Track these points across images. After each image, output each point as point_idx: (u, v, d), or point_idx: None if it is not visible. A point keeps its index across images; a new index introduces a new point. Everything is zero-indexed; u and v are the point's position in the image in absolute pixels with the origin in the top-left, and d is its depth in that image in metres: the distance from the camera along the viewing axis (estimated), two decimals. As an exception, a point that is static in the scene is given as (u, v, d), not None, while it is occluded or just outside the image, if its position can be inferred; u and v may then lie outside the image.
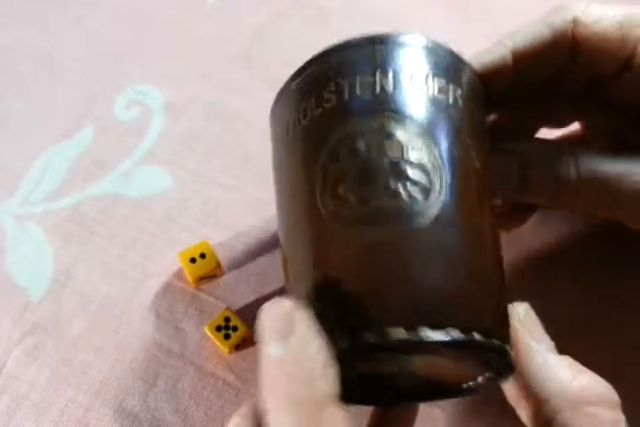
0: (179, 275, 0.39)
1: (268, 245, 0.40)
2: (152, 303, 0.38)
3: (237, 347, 0.36)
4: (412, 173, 0.24)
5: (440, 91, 0.26)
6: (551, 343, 0.25)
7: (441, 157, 0.25)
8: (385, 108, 0.25)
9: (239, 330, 0.35)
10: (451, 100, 0.27)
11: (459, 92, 0.27)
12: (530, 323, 0.25)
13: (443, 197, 0.24)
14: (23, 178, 0.43)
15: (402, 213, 0.23)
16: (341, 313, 0.23)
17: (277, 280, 0.38)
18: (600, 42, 0.29)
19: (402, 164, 0.24)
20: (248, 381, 0.35)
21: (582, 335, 0.35)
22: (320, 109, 0.26)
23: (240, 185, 0.42)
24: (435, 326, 0.21)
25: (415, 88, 0.26)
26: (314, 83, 0.27)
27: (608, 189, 0.29)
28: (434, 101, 0.26)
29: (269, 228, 0.40)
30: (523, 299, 0.26)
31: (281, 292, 0.38)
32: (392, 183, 0.24)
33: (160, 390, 0.35)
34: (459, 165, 0.25)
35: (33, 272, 0.39)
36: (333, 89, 0.26)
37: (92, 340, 0.37)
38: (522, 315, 0.25)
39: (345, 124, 0.25)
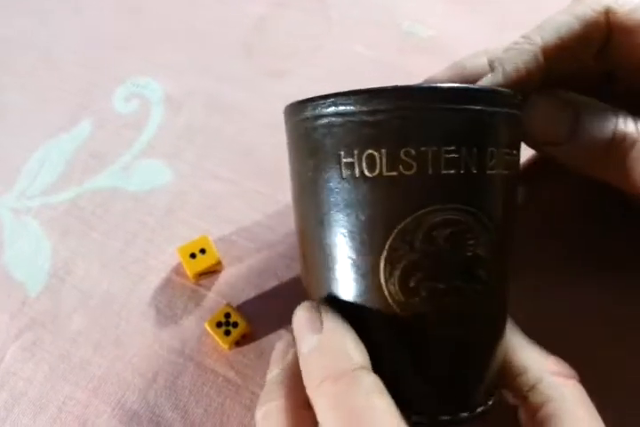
0: (178, 270, 0.38)
1: (269, 241, 0.39)
2: (152, 299, 0.38)
3: (237, 343, 0.36)
4: (479, 269, 0.24)
5: (507, 165, 0.25)
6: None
7: (499, 249, 0.25)
8: (465, 195, 0.24)
9: (239, 326, 0.35)
10: (512, 171, 0.26)
11: (516, 157, 0.26)
12: (510, 318, 0.29)
13: (495, 290, 0.25)
14: (21, 172, 0.43)
15: (465, 313, 0.25)
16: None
17: (278, 276, 0.38)
18: (634, 32, 0.28)
19: (472, 261, 0.24)
20: (248, 377, 0.35)
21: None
22: (395, 173, 0.23)
23: (240, 179, 0.42)
24: (472, 410, 0.25)
25: (492, 168, 0.24)
26: (389, 132, 0.24)
27: None
28: (501, 182, 0.25)
29: (271, 223, 0.40)
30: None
31: (281, 289, 0.38)
32: (462, 281, 0.24)
33: (160, 387, 0.35)
34: (506, 254, 0.26)
35: (31, 267, 0.39)
36: (413, 154, 0.23)
37: (90, 336, 0.37)
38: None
39: (425, 206, 0.24)
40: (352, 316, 0.25)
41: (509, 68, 0.28)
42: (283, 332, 0.36)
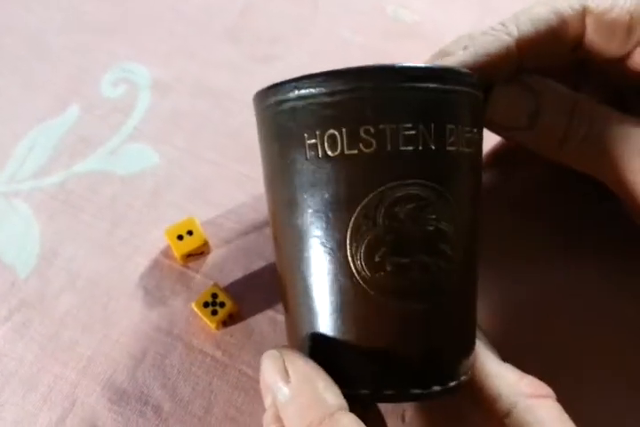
0: (166, 252, 0.39)
1: (256, 223, 0.40)
2: (140, 280, 0.38)
3: (225, 323, 0.36)
4: (441, 244, 0.25)
5: (467, 142, 0.26)
6: (498, 355, 0.29)
7: (461, 223, 0.26)
8: (425, 170, 0.25)
9: (226, 306, 0.35)
10: (473, 150, 0.26)
11: (477, 136, 0.27)
12: (483, 337, 0.30)
13: (459, 265, 0.26)
14: (10, 156, 0.43)
15: (431, 287, 0.25)
16: (357, 365, 0.25)
17: (265, 257, 0.38)
18: (607, 32, 0.29)
19: (434, 235, 0.25)
20: (235, 357, 0.36)
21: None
22: (356, 151, 0.24)
23: (228, 162, 0.42)
24: (443, 384, 0.26)
25: (452, 144, 0.25)
26: (348, 112, 0.24)
27: (612, 149, 0.29)
28: (462, 159, 0.26)
29: (257, 205, 0.40)
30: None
31: (268, 269, 0.38)
32: (425, 255, 0.25)
33: (148, 366, 0.35)
34: (471, 228, 0.26)
35: (20, 249, 0.39)
36: (372, 132, 0.24)
37: (79, 316, 0.37)
38: (478, 333, 0.29)
39: (385, 182, 0.24)
40: (322, 294, 0.26)
41: (481, 51, 0.28)
42: (270, 312, 0.37)
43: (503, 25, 0.29)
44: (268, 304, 0.37)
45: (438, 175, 0.25)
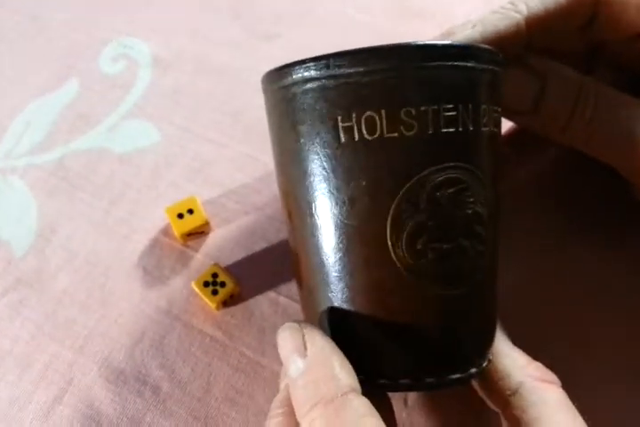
0: (166, 231, 0.38)
1: (258, 204, 0.39)
2: (139, 259, 0.37)
3: (225, 303, 0.35)
4: (477, 227, 0.24)
5: (495, 122, 0.25)
6: (508, 337, 0.29)
7: (492, 204, 0.25)
8: (464, 153, 0.24)
9: (227, 286, 0.35)
10: (498, 129, 0.26)
11: (500, 115, 0.26)
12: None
13: (492, 246, 0.25)
14: (7, 131, 0.42)
15: (470, 271, 0.24)
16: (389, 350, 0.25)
17: (267, 238, 0.38)
18: (621, 10, 0.28)
19: (472, 218, 0.24)
20: (236, 337, 0.35)
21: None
22: (396, 134, 0.23)
23: (229, 141, 0.41)
24: (466, 370, 0.25)
25: (485, 125, 0.24)
26: (388, 92, 0.23)
27: (618, 136, 0.28)
28: (491, 139, 0.25)
29: (259, 186, 0.40)
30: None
31: (270, 250, 0.37)
32: (465, 239, 0.24)
33: (146, 346, 0.35)
34: (498, 208, 0.26)
35: (16, 227, 0.38)
36: (414, 113, 0.23)
37: (76, 295, 0.36)
38: None
39: (428, 166, 0.23)
40: (359, 283, 0.25)
41: (489, 28, 0.28)
42: (271, 293, 0.36)
43: (512, 4, 0.29)
44: (269, 285, 0.36)
45: (475, 157, 0.24)
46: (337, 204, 0.24)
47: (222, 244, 0.38)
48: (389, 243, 0.23)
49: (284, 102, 0.25)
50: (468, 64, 0.24)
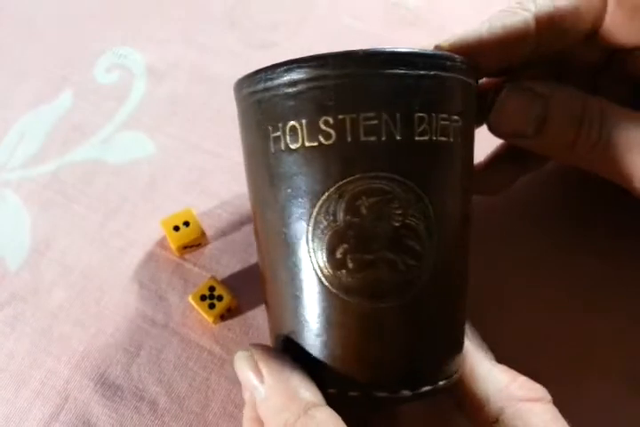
0: (162, 244, 0.38)
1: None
2: (135, 273, 0.37)
3: (222, 317, 0.35)
4: (409, 240, 0.23)
5: (443, 131, 0.24)
6: (491, 354, 0.28)
7: (435, 219, 0.24)
8: (389, 163, 0.23)
9: (224, 299, 0.34)
10: (451, 139, 0.24)
11: (459, 123, 0.25)
12: (475, 342, 0.28)
13: (433, 263, 0.24)
14: (0, 144, 0.41)
15: (396, 286, 0.23)
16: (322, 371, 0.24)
17: (264, 249, 0.37)
18: (630, 11, 0.27)
19: (400, 231, 0.23)
20: (233, 352, 0.34)
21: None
22: (315, 143, 0.23)
23: (225, 152, 0.41)
24: (418, 387, 0.24)
25: (422, 134, 0.23)
26: (308, 102, 0.23)
27: (626, 156, 0.27)
28: (436, 149, 0.24)
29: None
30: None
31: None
32: (390, 252, 0.23)
33: (143, 361, 0.34)
34: (451, 223, 0.25)
35: (10, 241, 0.38)
36: (331, 122, 0.23)
37: (72, 310, 0.36)
38: (470, 334, 0.28)
39: (345, 175, 0.23)
40: (290, 292, 0.25)
41: (497, 24, 0.27)
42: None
43: (520, 3, 0.28)
44: (266, 298, 0.36)
45: (406, 168, 0.23)
46: (270, 210, 0.25)
47: (219, 256, 0.38)
48: (311, 253, 0.24)
49: (240, 114, 0.27)
50: (397, 71, 0.23)
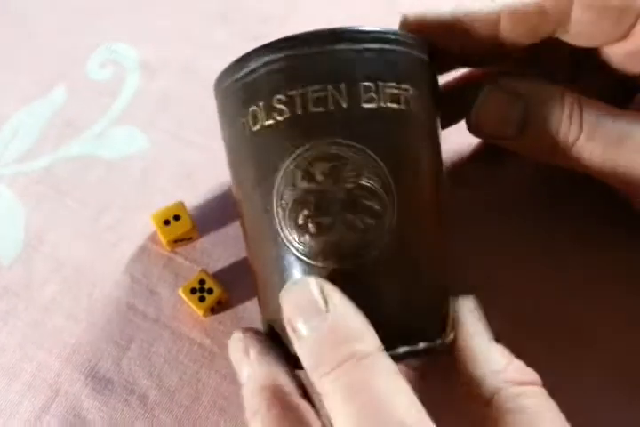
0: (153, 238, 0.38)
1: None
2: (126, 267, 0.37)
3: (213, 310, 0.35)
4: (366, 200, 0.24)
5: (392, 99, 0.25)
6: (491, 334, 0.27)
7: (394, 179, 0.25)
8: (339, 129, 0.25)
9: (214, 292, 0.34)
10: (403, 106, 0.26)
11: (410, 92, 0.26)
12: (475, 316, 0.28)
13: (395, 221, 0.25)
14: (-7, 139, 0.42)
15: (359, 245, 0.24)
16: None
17: (255, 243, 0.37)
18: (593, 16, 0.27)
19: (355, 191, 0.24)
20: (224, 345, 0.34)
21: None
22: (271, 121, 0.25)
23: (217, 147, 0.40)
24: (413, 343, 0.25)
25: (369, 101, 0.25)
26: (263, 86, 0.26)
27: (607, 152, 0.27)
28: (385, 115, 0.25)
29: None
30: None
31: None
32: (348, 213, 0.24)
33: (134, 355, 0.35)
34: (411, 184, 0.26)
35: (3, 235, 0.38)
36: (283, 99, 0.25)
37: (64, 304, 0.36)
38: (470, 309, 0.28)
39: (299, 145, 0.25)
40: (268, 265, 0.26)
41: (461, 8, 0.28)
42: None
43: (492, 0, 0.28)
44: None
45: (355, 132, 0.25)
46: (249, 195, 0.27)
47: (210, 250, 0.38)
48: (278, 223, 0.25)
49: (217, 107, 0.30)
50: (339, 47, 0.25)
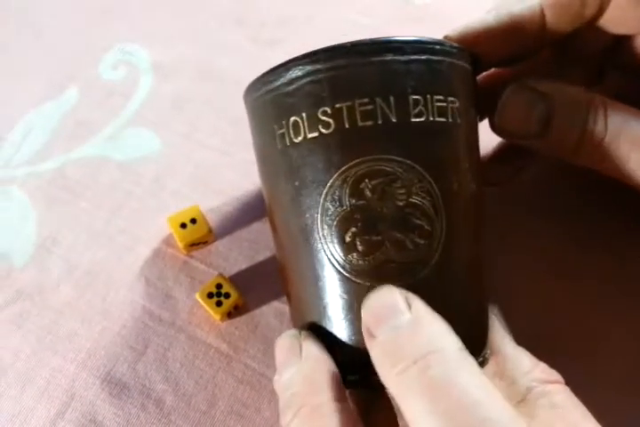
0: (168, 241, 0.37)
1: (261, 212, 0.38)
2: (141, 270, 0.37)
3: (230, 314, 0.35)
4: (416, 219, 0.24)
5: (440, 112, 0.25)
6: (511, 336, 0.28)
7: (442, 197, 0.24)
8: (389, 145, 0.24)
9: (231, 297, 0.34)
10: (450, 119, 0.25)
11: (456, 104, 0.26)
12: (500, 321, 0.28)
13: (444, 240, 0.24)
14: (6, 140, 0.41)
15: (409, 265, 0.24)
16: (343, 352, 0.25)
17: (271, 247, 0.37)
18: (633, 2, 0.27)
19: (405, 210, 0.24)
20: (240, 349, 0.34)
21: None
22: (316, 133, 0.24)
23: (231, 149, 0.41)
24: None
25: (418, 115, 0.24)
26: (306, 97, 0.25)
27: (632, 154, 0.27)
28: (434, 130, 0.25)
29: (262, 193, 0.39)
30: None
31: (274, 260, 0.37)
32: (398, 232, 0.24)
33: (150, 359, 0.34)
34: (457, 200, 0.25)
35: (16, 237, 0.38)
36: (329, 112, 0.24)
37: (78, 307, 0.36)
38: (495, 313, 0.28)
39: (346, 160, 0.24)
40: (306, 279, 0.25)
41: (503, 11, 0.27)
42: (276, 304, 0.35)
43: None
44: (274, 296, 0.36)
45: (405, 148, 0.24)
46: (286, 205, 0.26)
47: (226, 253, 0.37)
48: (321, 240, 0.24)
49: (249, 117, 0.29)
50: (384, 58, 0.24)
